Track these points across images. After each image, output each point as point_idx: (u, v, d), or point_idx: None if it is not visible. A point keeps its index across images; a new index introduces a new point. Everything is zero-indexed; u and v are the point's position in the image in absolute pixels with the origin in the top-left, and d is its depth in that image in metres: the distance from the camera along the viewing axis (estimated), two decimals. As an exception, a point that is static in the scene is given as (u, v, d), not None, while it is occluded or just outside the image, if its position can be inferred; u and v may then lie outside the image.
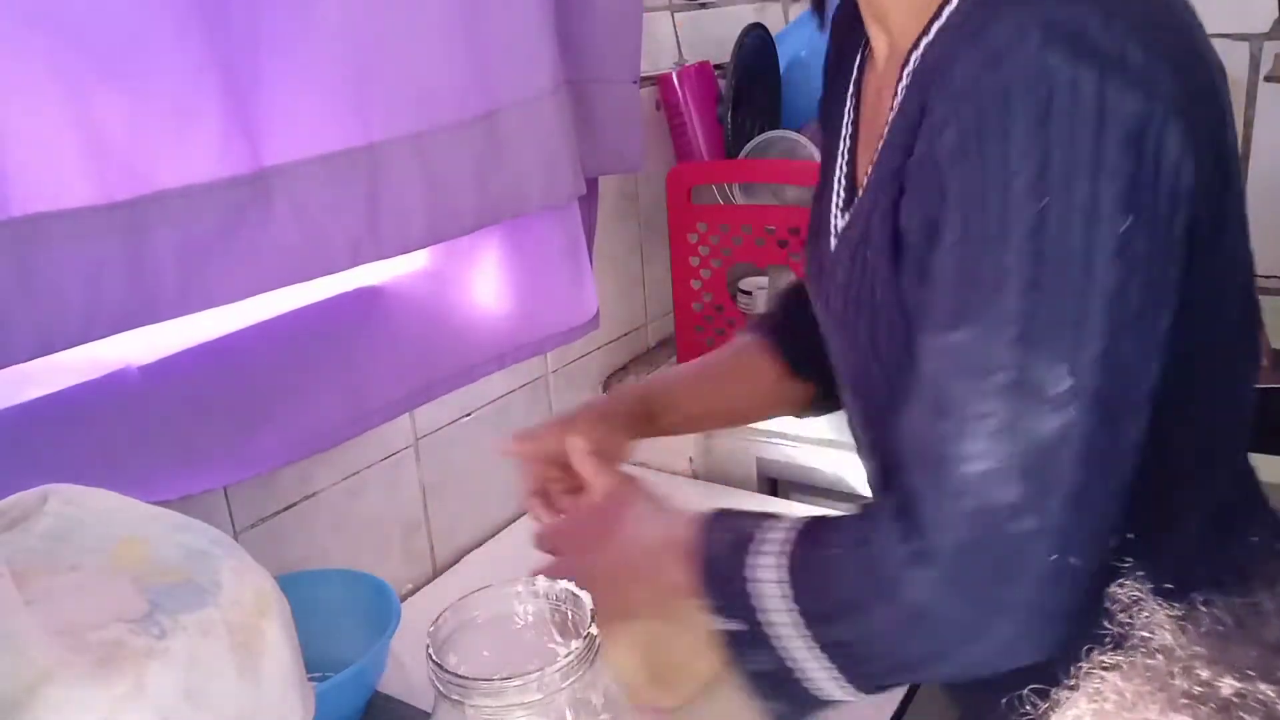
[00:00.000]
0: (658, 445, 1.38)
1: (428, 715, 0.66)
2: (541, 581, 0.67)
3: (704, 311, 1.39)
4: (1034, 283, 0.52)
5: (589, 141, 1.08)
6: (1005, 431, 0.52)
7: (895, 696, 0.88)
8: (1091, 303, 0.52)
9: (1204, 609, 0.37)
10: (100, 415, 0.77)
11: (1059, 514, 0.52)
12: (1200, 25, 0.59)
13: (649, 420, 0.89)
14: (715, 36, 1.49)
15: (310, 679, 0.60)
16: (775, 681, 0.62)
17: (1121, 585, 0.42)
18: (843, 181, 0.74)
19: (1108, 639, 0.40)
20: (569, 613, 0.67)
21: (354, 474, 1.05)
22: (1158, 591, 0.40)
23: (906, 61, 0.63)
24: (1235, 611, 0.37)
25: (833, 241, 0.73)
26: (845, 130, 0.76)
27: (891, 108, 0.64)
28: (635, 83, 1.12)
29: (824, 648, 0.59)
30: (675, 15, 1.44)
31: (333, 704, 0.79)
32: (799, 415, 0.97)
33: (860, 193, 0.69)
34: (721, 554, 0.64)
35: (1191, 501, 0.66)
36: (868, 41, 0.72)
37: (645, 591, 0.70)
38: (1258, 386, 1.24)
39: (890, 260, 0.63)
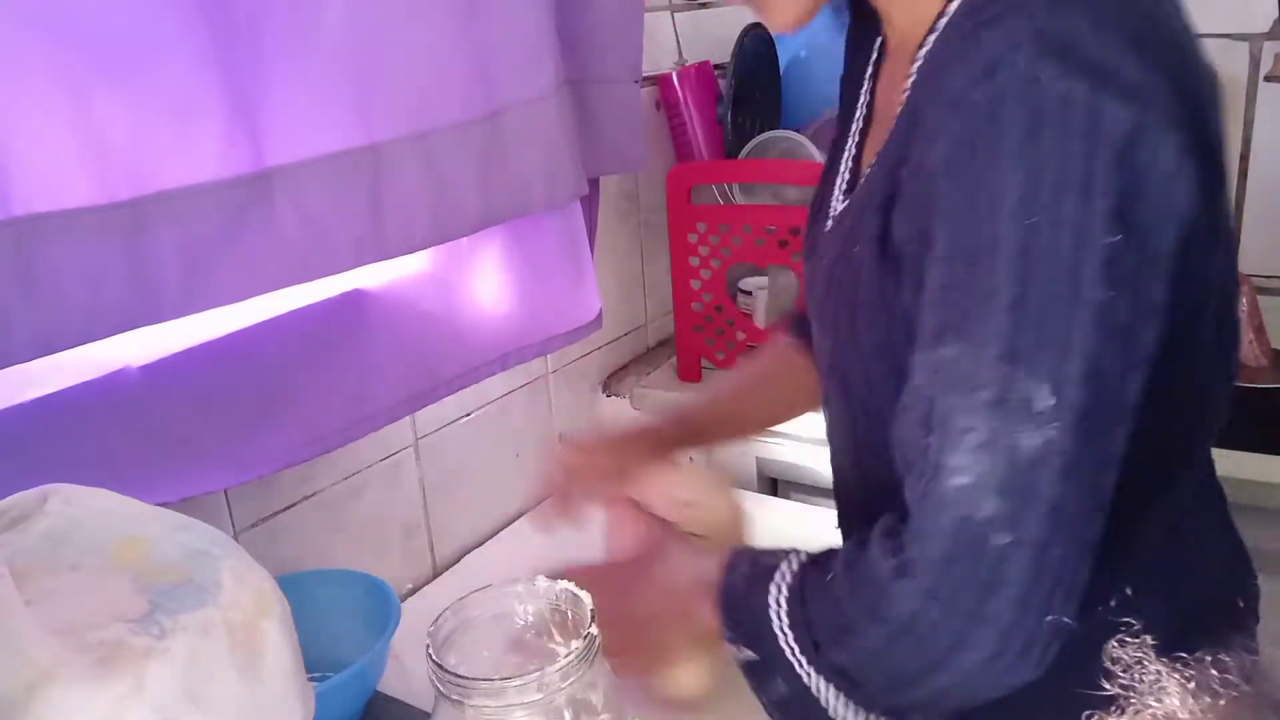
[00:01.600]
0: (658, 445, 1.38)
1: (428, 715, 0.66)
2: (541, 581, 0.67)
3: (704, 311, 1.39)
4: (1020, 300, 0.52)
5: (590, 141, 1.08)
6: (987, 446, 0.53)
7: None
8: (1077, 321, 0.52)
9: (1213, 670, 0.36)
10: (100, 415, 0.77)
11: (1037, 528, 0.53)
12: (1195, 35, 0.58)
13: (697, 438, 0.92)
14: (715, 36, 1.49)
15: (310, 679, 0.60)
16: (795, 708, 0.63)
17: (1122, 643, 0.41)
18: (849, 165, 0.74)
19: (1109, 702, 0.39)
20: (569, 613, 0.67)
21: (354, 474, 1.05)
22: (1159, 648, 0.39)
23: (915, 56, 0.63)
24: (1245, 670, 0.36)
25: (828, 224, 0.73)
26: (859, 113, 0.75)
27: (900, 102, 0.64)
28: (637, 83, 1.12)
29: (825, 675, 0.61)
30: (675, 15, 1.44)
31: (333, 704, 0.79)
32: None
33: (860, 182, 0.69)
34: (737, 588, 0.66)
35: (1150, 516, 0.66)
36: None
37: (682, 633, 0.72)
38: (1259, 387, 1.24)
39: (875, 257, 0.62)
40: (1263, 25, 1.40)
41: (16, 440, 0.73)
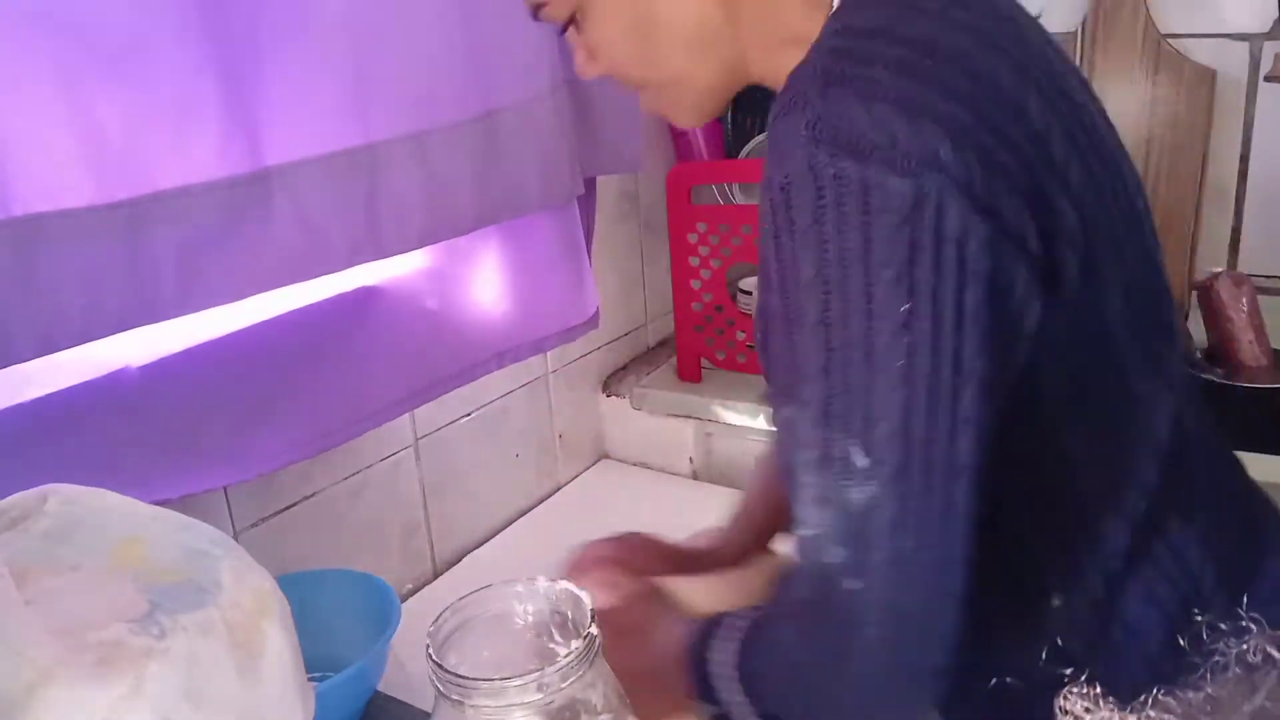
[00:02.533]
0: (658, 445, 1.38)
1: (428, 715, 0.66)
2: (541, 581, 0.67)
3: (704, 311, 1.39)
4: (824, 369, 0.55)
5: (589, 141, 1.08)
6: (821, 501, 0.56)
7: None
8: (876, 387, 0.54)
9: (1152, 708, 0.37)
10: (100, 415, 0.77)
11: (879, 575, 0.55)
12: (1027, 73, 0.58)
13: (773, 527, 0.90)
14: (715, 36, 1.49)
15: (310, 679, 0.60)
16: None
17: (1068, 697, 0.42)
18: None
19: None
20: (569, 613, 0.67)
21: (354, 474, 1.05)
22: (1109, 692, 0.40)
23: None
24: (1186, 705, 0.37)
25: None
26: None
27: None
28: (635, 83, 1.12)
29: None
30: (675, 15, 1.44)
31: (333, 704, 0.79)
32: None
33: None
34: (696, 643, 0.68)
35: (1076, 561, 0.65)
36: None
37: (651, 691, 0.72)
38: (1260, 387, 1.24)
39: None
40: (1262, 25, 1.40)
41: (16, 440, 0.73)
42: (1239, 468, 0.73)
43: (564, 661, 0.59)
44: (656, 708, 0.72)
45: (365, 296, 0.97)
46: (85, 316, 0.69)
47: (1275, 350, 1.29)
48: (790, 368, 0.58)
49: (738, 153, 1.40)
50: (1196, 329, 1.33)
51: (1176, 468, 0.63)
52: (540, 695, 0.59)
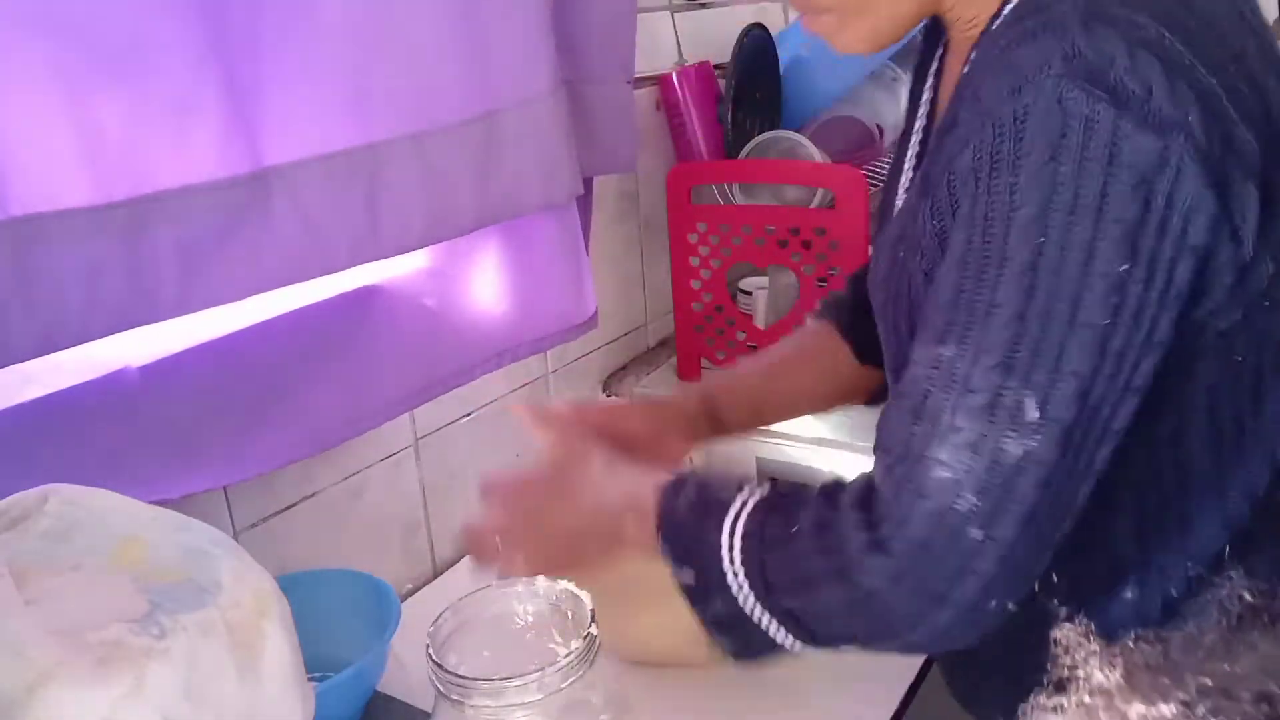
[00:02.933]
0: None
1: (428, 715, 0.66)
2: (541, 581, 0.68)
3: (704, 311, 1.39)
4: (1021, 315, 0.53)
5: (584, 141, 1.08)
6: (972, 447, 0.55)
7: (894, 697, 0.88)
8: (1073, 343, 0.53)
9: (1134, 645, 0.39)
10: (100, 415, 0.77)
11: (1009, 530, 0.55)
12: (1268, 55, 0.57)
13: (714, 420, 0.89)
14: (715, 36, 1.49)
15: (310, 679, 0.60)
16: (734, 627, 0.65)
17: (1061, 629, 0.43)
18: (912, 164, 0.74)
19: (1049, 682, 0.42)
20: (569, 613, 0.67)
21: (354, 474, 1.05)
22: (1099, 631, 0.41)
23: (967, 59, 0.63)
24: (1165, 644, 0.38)
25: (890, 226, 0.74)
26: (923, 110, 0.75)
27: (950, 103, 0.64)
28: (629, 82, 1.13)
29: (774, 613, 0.63)
30: (675, 15, 1.44)
31: (333, 704, 0.79)
32: (869, 404, 0.95)
33: (908, 186, 0.71)
34: (681, 515, 0.67)
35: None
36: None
37: (598, 546, 0.73)
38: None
39: (920, 260, 0.64)
40: (1262, 25, 1.40)
41: (16, 440, 0.73)
42: None
43: (564, 661, 0.60)
44: (586, 562, 0.72)
45: (364, 296, 0.97)
46: (85, 316, 0.69)
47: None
48: (957, 305, 0.56)
49: (738, 153, 1.40)
50: None
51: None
52: (540, 695, 0.59)
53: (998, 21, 0.60)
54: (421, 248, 0.95)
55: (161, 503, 0.61)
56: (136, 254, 0.71)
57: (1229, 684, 0.37)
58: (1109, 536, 0.65)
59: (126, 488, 0.59)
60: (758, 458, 1.33)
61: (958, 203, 0.57)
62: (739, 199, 1.39)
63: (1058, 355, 0.53)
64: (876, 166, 1.45)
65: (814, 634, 0.63)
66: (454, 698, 0.60)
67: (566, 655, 0.60)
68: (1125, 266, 0.52)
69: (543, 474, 0.79)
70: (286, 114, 0.78)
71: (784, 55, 1.47)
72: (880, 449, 0.61)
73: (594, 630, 0.62)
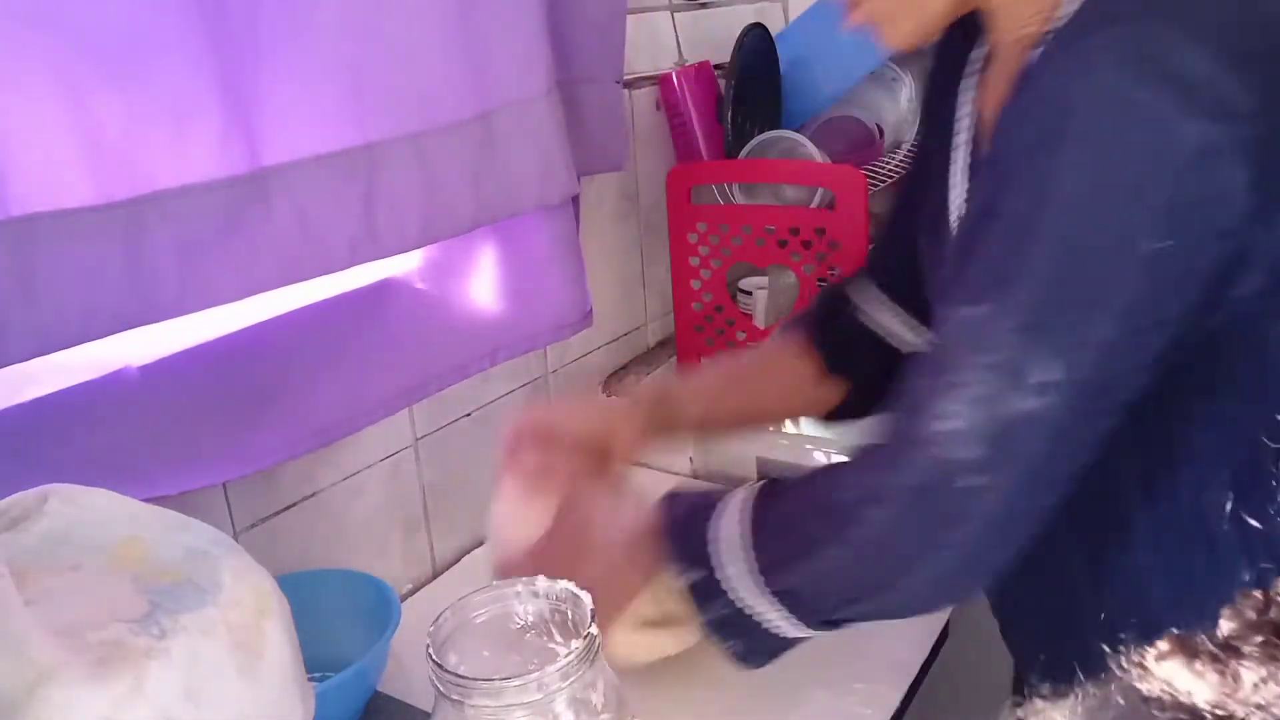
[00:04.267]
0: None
1: (428, 715, 0.66)
2: (541, 581, 0.67)
3: (704, 311, 1.39)
4: (1055, 281, 0.55)
5: (574, 141, 1.08)
6: (983, 401, 0.56)
7: (895, 698, 0.88)
8: (1099, 313, 0.55)
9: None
10: (100, 415, 0.77)
11: (1012, 481, 0.57)
12: None
13: (665, 419, 0.89)
14: (715, 36, 1.49)
15: (310, 679, 0.60)
16: (734, 625, 0.67)
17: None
18: (965, 172, 0.75)
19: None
20: (569, 613, 0.67)
21: (354, 474, 1.05)
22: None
23: (1025, 60, 0.64)
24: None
25: (954, 233, 0.74)
26: (967, 125, 0.76)
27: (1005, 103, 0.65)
28: (619, 82, 1.13)
29: (775, 594, 0.64)
30: (675, 15, 1.44)
31: (333, 704, 0.79)
32: (826, 420, 0.97)
33: (969, 188, 0.71)
34: (683, 518, 0.70)
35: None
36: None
37: (635, 581, 0.74)
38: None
39: None
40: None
41: (16, 440, 0.73)
42: None
43: (564, 661, 0.59)
44: (617, 605, 0.73)
45: (361, 294, 0.98)
46: (85, 316, 0.69)
47: None
48: (989, 269, 0.58)
49: (738, 153, 1.40)
50: None
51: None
52: (540, 695, 0.59)
53: (1062, 19, 0.61)
54: (419, 248, 0.95)
55: (161, 499, 0.61)
56: (136, 254, 0.71)
57: None
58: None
59: (126, 486, 0.59)
60: (758, 458, 1.33)
61: (1007, 175, 0.59)
62: (739, 199, 1.40)
63: (1084, 325, 0.55)
64: (876, 166, 1.45)
65: (816, 608, 0.65)
66: (454, 698, 0.60)
67: (566, 655, 0.60)
68: (1160, 245, 0.53)
69: (558, 536, 0.80)
70: (285, 114, 0.78)
71: (784, 55, 1.47)
72: (889, 408, 0.63)
73: (594, 630, 0.62)
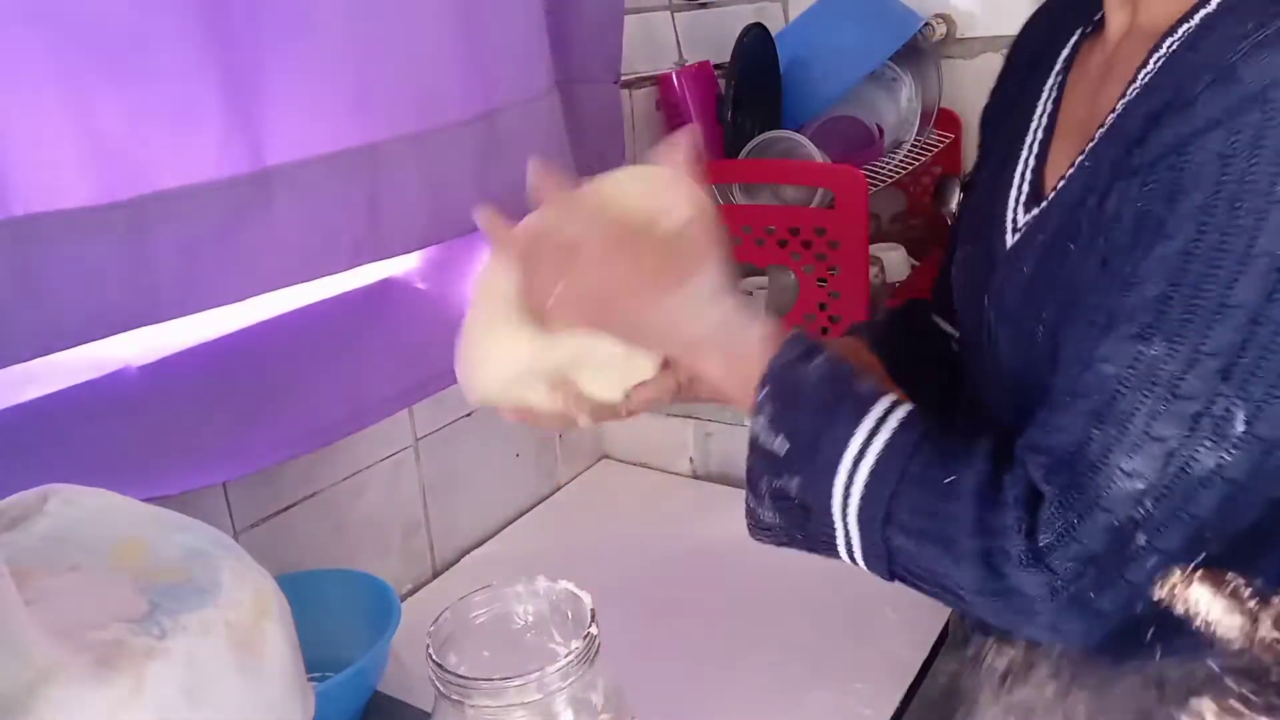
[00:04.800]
0: (658, 445, 1.38)
1: (428, 715, 0.66)
2: (541, 581, 0.68)
3: (704, 311, 1.39)
4: (1256, 320, 0.49)
5: (573, 141, 1.08)
6: (1170, 456, 0.51)
7: (895, 697, 0.88)
8: None
9: None
10: (100, 415, 0.77)
11: (1175, 541, 0.52)
12: None
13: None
14: (715, 36, 1.49)
15: (310, 679, 0.60)
16: (797, 508, 0.60)
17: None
18: (1027, 177, 0.70)
19: None
20: (569, 613, 0.67)
21: (354, 474, 1.05)
22: None
23: (1159, 44, 0.58)
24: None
25: (1010, 238, 0.69)
26: (1038, 123, 0.72)
27: (1126, 92, 0.60)
28: (616, 83, 1.13)
29: (867, 534, 0.58)
30: (675, 15, 1.44)
31: (333, 704, 0.79)
32: None
33: (1060, 184, 0.65)
34: (811, 388, 0.61)
35: None
36: (1091, 26, 0.70)
37: (658, 335, 0.66)
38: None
39: (1102, 244, 0.59)
40: (1263, 25, 1.40)
41: (16, 440, 0.73)
42: None
43: (564, 661, 0.59)
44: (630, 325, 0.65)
45: (362, 294, 0.97)
46: (86, 316, 0.69)
47: None
48: (1172, 300, 0.51)
49: (738, 153, 1.40)
50: None
51: None
52: (540, 695, 0.59)
53: (1207, 7, 0.56)
54: (422, 248, 0.95)
55: (161, 499, 0.61)
56: (138, 254, 0.71)
57: None
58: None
59: (126, 485, 0.59)
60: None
61: (1184, 188, 0.52)
62: (739, 199, 1.39)
63: None
64: (876, 166, 1.45)
65: (899, 573, 0.58)
66: (454, 698, 0.60)
67: (566, 655, 0.60)
68: None
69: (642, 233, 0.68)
70: (288, 114, 0.78)
71: (784, 55, 1.47)
72: (1036, 450, 0.56)
73: (594, 630, 0.62)
